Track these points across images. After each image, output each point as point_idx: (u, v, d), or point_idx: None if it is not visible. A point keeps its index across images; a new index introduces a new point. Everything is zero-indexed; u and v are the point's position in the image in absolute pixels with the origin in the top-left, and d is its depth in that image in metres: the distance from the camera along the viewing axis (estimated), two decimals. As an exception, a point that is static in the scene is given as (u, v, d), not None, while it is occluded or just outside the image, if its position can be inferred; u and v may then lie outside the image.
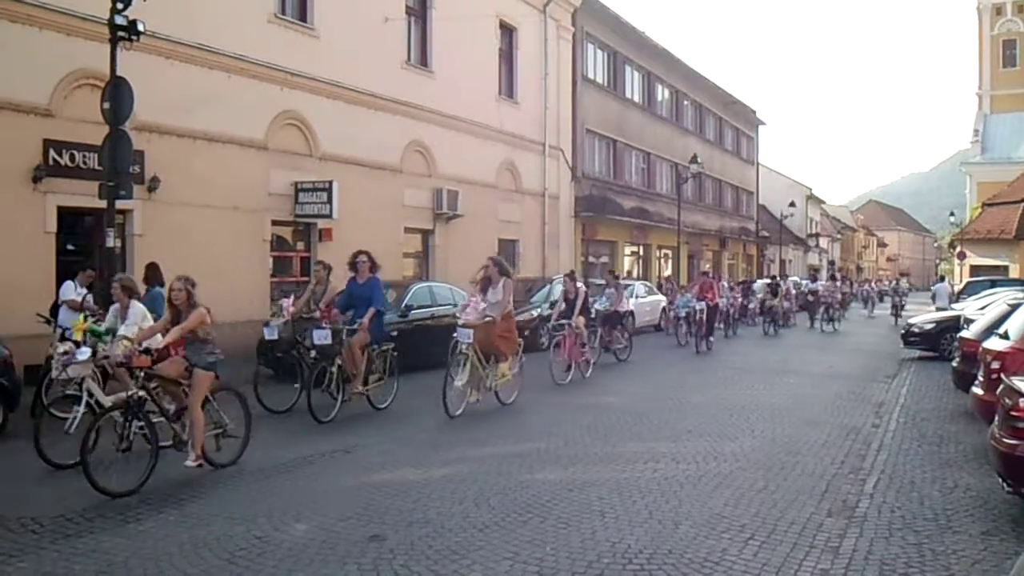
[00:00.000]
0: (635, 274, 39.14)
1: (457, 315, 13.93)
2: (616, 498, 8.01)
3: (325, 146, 21.18)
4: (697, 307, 23.41)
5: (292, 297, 14.12)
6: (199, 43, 17.91)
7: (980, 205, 57.82)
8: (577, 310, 16.75)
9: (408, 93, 23.99)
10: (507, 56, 29.91)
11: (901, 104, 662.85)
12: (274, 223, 20.17)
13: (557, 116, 32.41)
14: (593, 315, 18.69)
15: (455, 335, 12.80)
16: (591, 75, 36.16)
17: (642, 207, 39.80)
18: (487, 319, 12.86)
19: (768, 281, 34.48)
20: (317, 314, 13.15)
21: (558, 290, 21.00)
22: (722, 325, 27.73)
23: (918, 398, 14.87)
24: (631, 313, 23.27)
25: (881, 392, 15.79)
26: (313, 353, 12.76)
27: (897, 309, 37.80)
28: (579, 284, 17.57)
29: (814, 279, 51.37)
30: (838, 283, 36.55)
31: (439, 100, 25.16)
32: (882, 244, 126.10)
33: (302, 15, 21.08)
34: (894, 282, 51.04)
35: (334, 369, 12.30)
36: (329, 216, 20.21)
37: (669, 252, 43.24)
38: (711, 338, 23.53)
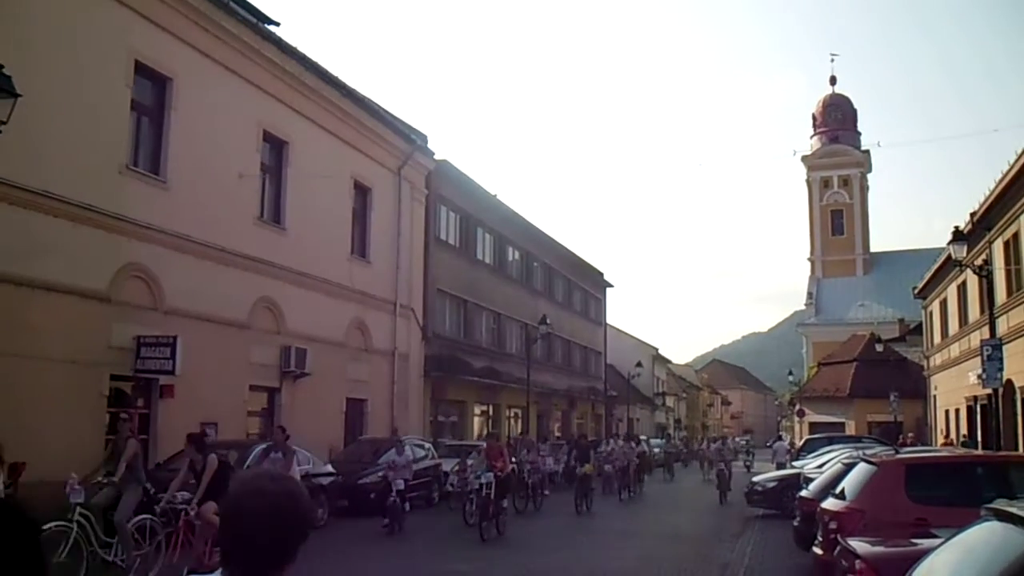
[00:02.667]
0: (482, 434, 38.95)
1: None
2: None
3: (171, 300, 20.58)
4: (483, 479, 18.82)
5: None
6: (43, 189, 17.32)
7: (816, 364, 60.56)
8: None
9: (259, 249, 23.82)
10: (361, 215, 30.19)
11: (742, 267, 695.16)
12: (113, 378, 19.27)
13: (409, 275, 32.66)
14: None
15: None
16: (443, 236, 36.78)
17: (492, 367, 40.07)
18: None
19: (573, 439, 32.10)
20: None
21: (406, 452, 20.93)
22: (525, 494, 24.68)
23: (763, 558, 15.10)
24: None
25: (727, 552, 15.97)
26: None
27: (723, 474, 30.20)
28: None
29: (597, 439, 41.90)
30: (632, 444, 33.38)
31: (291, 257, 25.07)
32: (726, 402, 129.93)
33: (154, 167, 20.81)
34: (716, 441, 48.00)
35: None
36: (171, 372, 19.46)
37: (519, 411, 43.43)
38: (501, 516, 19.13)
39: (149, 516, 12.87)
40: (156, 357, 19.43)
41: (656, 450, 41.82)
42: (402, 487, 19.04)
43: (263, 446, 18.40)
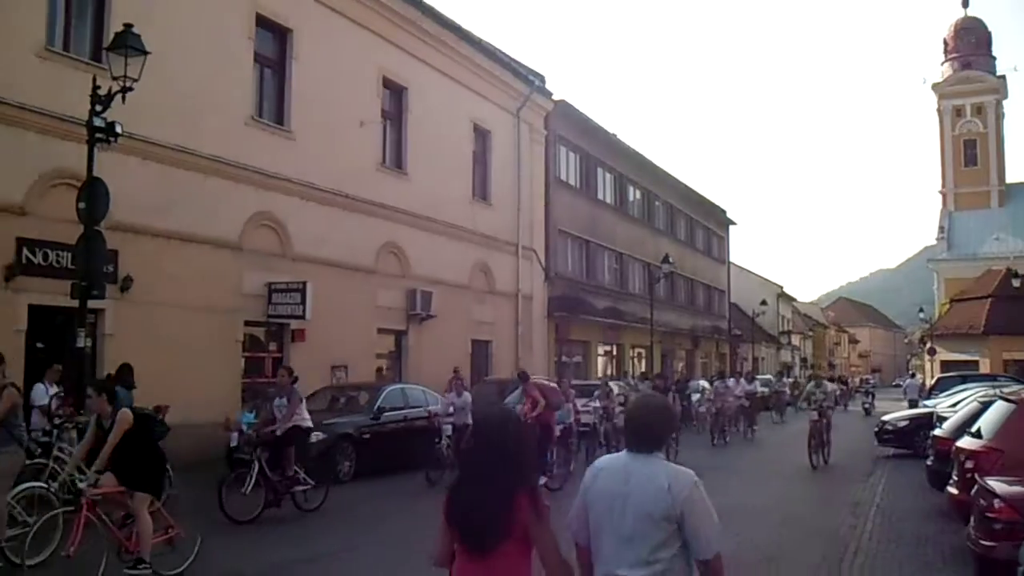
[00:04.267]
0: (609, 373, 39.06)
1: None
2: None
3: (299, 247, 21.20)
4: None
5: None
6: (176, 144, 17.98)
7: (948, 301, 58.55)
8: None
9: (383, 195, 24.21)
10: (481, 158, 30.32)
11: (868, 202, 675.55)
12: (247, 324, 20.07)
13: (530, 217, 32.74)
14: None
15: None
16: (563, 177, 36.65)
17: (615, 307, 39.98)
18: None
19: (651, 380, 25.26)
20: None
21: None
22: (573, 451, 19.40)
23: (894, 497, 14.82)
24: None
25: (858, 491, 15.75)
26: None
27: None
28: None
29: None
30: (733, 383, 29.99)
31: (413, 201, 25.39)
32: (853, 340, 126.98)
33: (279, 118, 21.35)
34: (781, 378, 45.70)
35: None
36: (302, 317, 20.13)
37: (642, 351, 43.29)
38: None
39: (39, 485, 10.51)
40: (287, 303, 20.07)
41: (764, 390, 38.39)
42: (450, 432, 16.91)
43: (392, 387, 18.95)
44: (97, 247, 14.13)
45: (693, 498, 3.85)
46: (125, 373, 13.64)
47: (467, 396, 17.33)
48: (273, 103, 21.44)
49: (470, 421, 15.76)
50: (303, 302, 19.95)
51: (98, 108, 13.78)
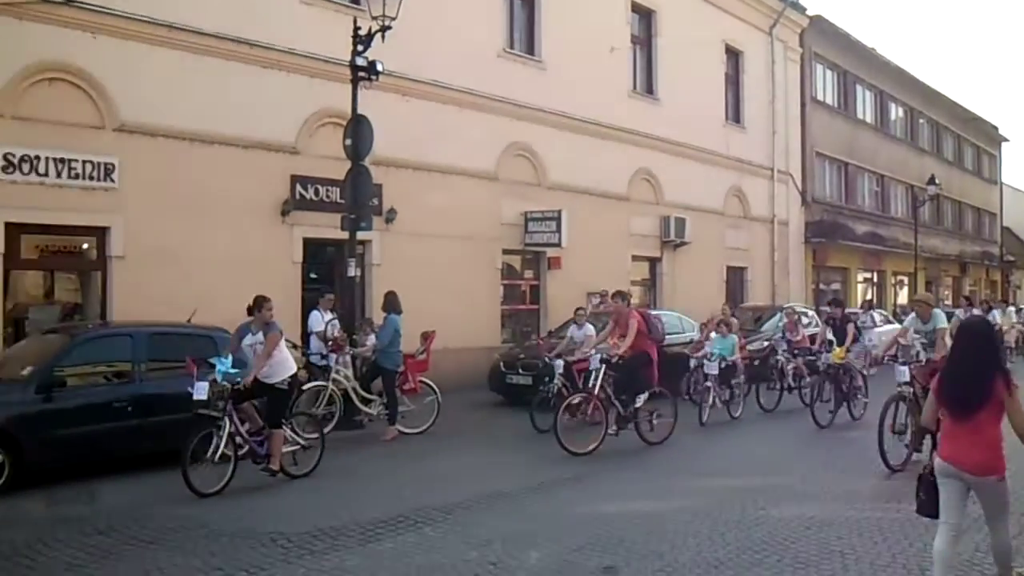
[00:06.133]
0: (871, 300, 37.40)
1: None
2: (856, 539, 7.58)
3: (553, 176, 21.45)
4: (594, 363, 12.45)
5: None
6: (432, 79, 18.52)
7: None
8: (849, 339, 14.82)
9: (634, 121, 23.98)
10: (733, 80, 29.45)
11: None
12: (504, 252, 20.60)
13: (785, 140, 31.57)
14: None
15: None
16: (820, 96, 35.08)
17: (875, 232, 38.13)
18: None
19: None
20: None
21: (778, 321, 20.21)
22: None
23: None
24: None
25: None
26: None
27: None
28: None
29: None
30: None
31: (665, 127, 25.00)
32: None
33: (530, 48, 21.51)
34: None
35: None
36: (558, 245, 20.43)
37: (905, 278, 41.21)
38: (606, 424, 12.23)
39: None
40: (543, 231, 20.41)
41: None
42: (561, 369, 14.09)
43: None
44: (363, 181, 14.82)
45: None
46: (392, 300, 14.24)
47: (589, 328, 15.44)
48: (524, 34, 21.59)
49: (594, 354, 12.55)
50: (559, 230, 20.22)
51: (359, 48, 14.37)
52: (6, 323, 13.31)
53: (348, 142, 14.78)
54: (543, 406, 13.35)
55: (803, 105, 33.11)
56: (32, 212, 13.34)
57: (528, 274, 21.77)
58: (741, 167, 29.07)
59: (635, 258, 24.46)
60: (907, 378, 10.69)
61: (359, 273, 15.61)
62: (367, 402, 13.82)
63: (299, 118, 16.58)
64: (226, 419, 9.55)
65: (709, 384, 15.04)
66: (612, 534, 7.71)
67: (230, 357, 9.80)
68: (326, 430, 12.59)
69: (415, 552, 7.29)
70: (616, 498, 9.27)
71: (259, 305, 10.29)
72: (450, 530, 7.99)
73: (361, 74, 14.49)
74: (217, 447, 9.40)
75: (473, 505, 8.95)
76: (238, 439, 9.71)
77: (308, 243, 16.82)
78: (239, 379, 9.61)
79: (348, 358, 13.92)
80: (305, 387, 13.14)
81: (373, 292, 16.94)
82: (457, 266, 18.86)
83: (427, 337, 14.59)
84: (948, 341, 9.80)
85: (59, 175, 13.54)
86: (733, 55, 29.34)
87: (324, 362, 13.88)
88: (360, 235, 15.17)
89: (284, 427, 10.08)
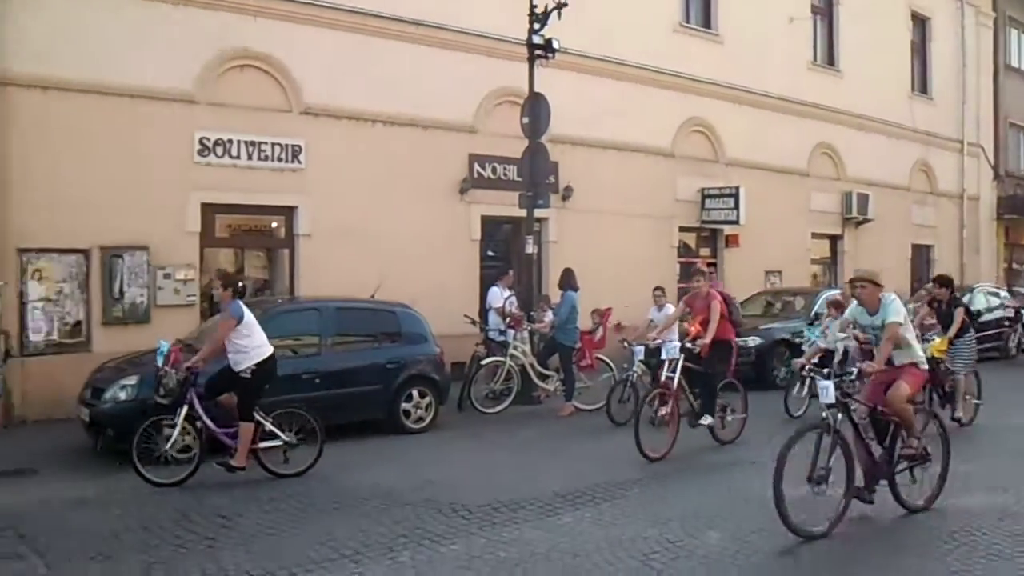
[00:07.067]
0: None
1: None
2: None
3: (731, 151, 21.05)
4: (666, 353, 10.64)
5: None
6: (608, 56, 18.40)
7: None
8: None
9: (814, 94, 23.21)
10: (920, 48, 28.09)
11: None
12: (681, 229, 20.37)
13: (976, 110, 29.91)
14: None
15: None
16: (1015, 63, 33.05)
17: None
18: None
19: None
20: None
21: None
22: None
23: None
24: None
25: None
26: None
27: None
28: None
29: None
30: None
31: (847, 100, 24.08)
32: None
33: (706, 22, 21.13)
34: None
35: None
36: (736, 222, 20.07)
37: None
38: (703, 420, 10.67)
39: None
40: (720, 208, 20.12)
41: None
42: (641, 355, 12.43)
43: (829, 292, 18.09)
44: (541, 159, 14.92)
45: None
46: (569, 277, 14.25)
47: (669, 309, 13.73)
48: (700, 8, 21.23)
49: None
50: (736, 207, 19.88)
51: (536, 26, 14.43)
52: (202, 298, 14.02)
53: (525, 120, 14.92)
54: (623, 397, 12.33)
55: (996, 73, 31.27)
56: (225, 193, 14.06)
57: (704, 252, 21.41)
58: (928, 140, 27.75)
59: (815, 235, 23.75)
60: (831, 399, 7.04)
61: (536, 250, 15.71)
62: (544, 378, 13.94)
63: (476, 97, 16.80)
64: (183, 408, 8.85)
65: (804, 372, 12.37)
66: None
67: (166, 342, 9.35)
68: (502, 407, 12.89)
69: (593, 527, 7.28)
70: (792, 482, 8.97)
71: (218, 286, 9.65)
72: (627, 507, 7.95)
73: (538, 52, 14.57)
74: (170, 437, 8.80)
75: (650, 483, 8.88)
76: (199, 424, 8.97)
77: (485, 221, 17.07)
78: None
79: (526, 334, 14.02)
80: (484, 362, 13.49)
81: (549, 269, 17.02)
82: (633, 244, 18.71)
83: (602, 315, 14.57)
84: (913, 342, 7.74)
85: (250, 157, 14.23)
86: (919, 22, 27.99)
87: (502, 338, 14.09)
88: (537, 213, 15.24)
89: (264, 421, 9.10)
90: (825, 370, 7.49)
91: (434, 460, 9.90)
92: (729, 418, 10.98)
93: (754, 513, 7.53)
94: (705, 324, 10.63)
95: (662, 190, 19.63)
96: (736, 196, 19.87)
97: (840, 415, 7.11)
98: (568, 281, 14.05)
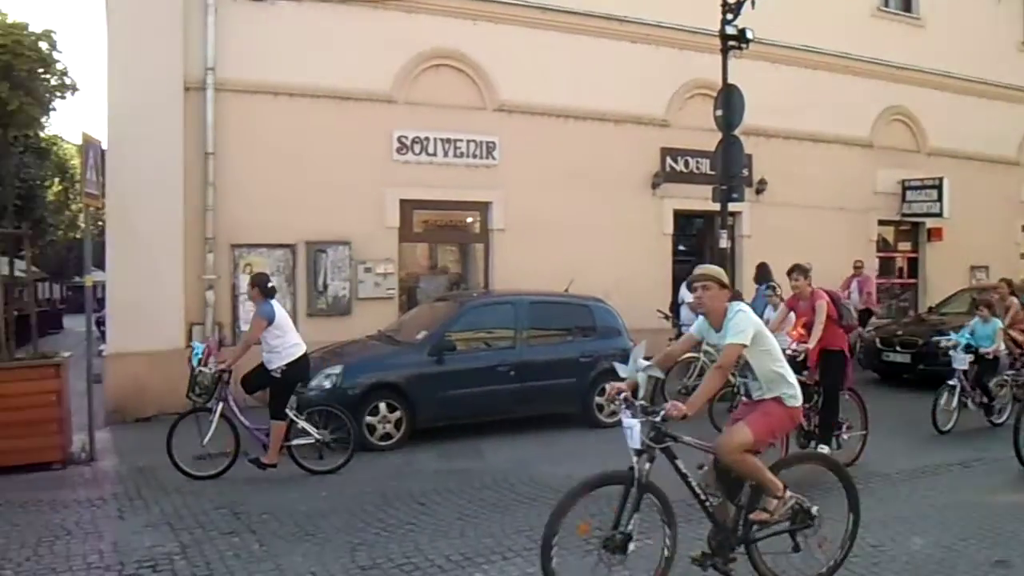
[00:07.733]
0: None
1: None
2: None
3: (933, 140, 20.07)
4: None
5: None
6: (803, 44, 17.87)
7: None
8: None
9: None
10: None
11: None
12: (879, 223, 19.62)
13: None
14: None
15: None
16: None
17: None
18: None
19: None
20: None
21: None
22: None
23: None
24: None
25: None
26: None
27: None
28: None
29: None
30: None
31: (1061, 83, 22.60)
32: None
33: (906, 5, 20.24)
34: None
35: None
36: (939, 215, 19.11)
37: None
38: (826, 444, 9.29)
39: None
40: (922, 200, 19.23)
41: None
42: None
43: None
44: (735, 152, 14.71)
45: None
46: (764, 271, 13.94)
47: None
48: (900, -9, 20.34)
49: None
50: (940, 199, 18.97)
51: (728, 17, 14.20)
52: (401, 291, 14.45)
53: (719, 113, 14.72)
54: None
55: None
56: (422, 189, 14.47)
57: (904, 246, 20.52)
58: None
59: (1026, 228, 22.38)
60: (639, 444, 5.49)
61: (729, 244, 15.42)
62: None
63: (668, 91, 16.69)
64: (218, 404, 9.01)
65: (954, 382, 11.13)
66: (1002, 527, 7.07)
67: (201, 344, 9.51)
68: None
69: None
70: (1007, 488, 8.47)
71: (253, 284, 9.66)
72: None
73: (731, 43, 14.36)
74: (205, 433, 8.92)
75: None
76: (235, 422, 9.09)
77: (677, 215, 16.92)
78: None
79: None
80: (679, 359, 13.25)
81: (743, 264, 16.70)
82: (829, 237, 18.04)
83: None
84: (781, 369, 5.71)
85: (446, 154, 14.60)
86: None
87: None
88: (730, 206, 15.00)
89: (296, 419, 9.14)
90: (639, 402, 5.64)
91: (627, 454, 9.77)
92: (846, 436, 9.52)
93: (961, 520, 7.16)
94: (809, 328, 9.43)
95: (860, 182, 18.93)
96: (939, 187, 18.93)
97: (648, 465, 5.50)
98: (763, 275, 13.77)
